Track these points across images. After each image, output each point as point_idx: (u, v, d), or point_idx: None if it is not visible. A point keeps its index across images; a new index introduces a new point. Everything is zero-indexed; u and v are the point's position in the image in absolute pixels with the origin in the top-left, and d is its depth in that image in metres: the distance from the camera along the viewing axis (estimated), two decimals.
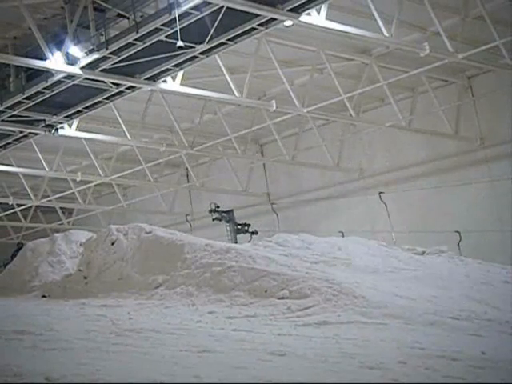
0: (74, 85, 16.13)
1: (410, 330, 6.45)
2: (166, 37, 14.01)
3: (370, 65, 18.81)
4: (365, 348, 5.63)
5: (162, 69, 15.75)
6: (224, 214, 22.12)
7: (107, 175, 23.85)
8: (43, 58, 15.14)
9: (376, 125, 20.81)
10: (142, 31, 14.02)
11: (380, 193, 21.22)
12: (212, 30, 13.91)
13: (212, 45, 14.65)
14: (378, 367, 4.82)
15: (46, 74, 15.84)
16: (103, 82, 16.25)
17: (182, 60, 15.36)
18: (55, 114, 18.05)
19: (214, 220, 22.18)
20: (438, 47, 15.54)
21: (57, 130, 18.85)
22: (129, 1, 14.68)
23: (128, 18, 14.77)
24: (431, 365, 4.98)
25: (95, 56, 14.99)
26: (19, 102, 16.98)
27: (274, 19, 13.77)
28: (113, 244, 10.28)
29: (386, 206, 20.85)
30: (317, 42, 17.70)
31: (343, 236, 16.46)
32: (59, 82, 16.01)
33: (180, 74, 16.37)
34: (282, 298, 7.78)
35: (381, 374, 4.63)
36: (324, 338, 6.12)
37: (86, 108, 17.83)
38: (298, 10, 13.43)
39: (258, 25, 14.01)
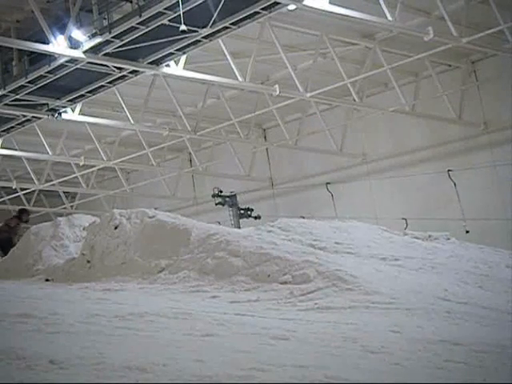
0: (76, 69, 16.11)
1: (412, 316, 6.47)
2: (169, 21, 13.97)
3: (374, 49, 18.74)
4: (366, 333, 5.66)
5: (165, 53, 15.71)
6: (227, 199, 22.15)
7: (110, 159, 23.86)
8: (46, 41, 15.11)
9: (379, 109, 20.77)
10: (145, 15, 13.97)
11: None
12: (215, 14, 13.85)
13: (215, 29, 14.60)
14: (379, 351, 4.85)
15: (49, 57, 15.80)
16: (106, 66, 16.22)
17: (185, 44, 15.32)
18: (58, 98, 18.04)
19: (216, 205, 22.21)
20: (442, 31, 15.47)
21: (60, 114, 18.86)
22: None
23: (131, 2, 14.72)
24: (433, 349, 5.01)
25: (98, 40, 14.95)
26: (22, 86, 16.96)
27: (278, 3, 13.71)
28: (116, 228, 10.30)
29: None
30: (320, 27, 17.64)
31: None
32: (62, 65, 15.98)
33: (183, 58, 16.33)
34: (285, 283, 7.80)
35: (383, 357, 4.66)
36: (326, 322, 6.15)
37: (89, 92, 17.81)
38: None
39: (262, 9, 13.96)
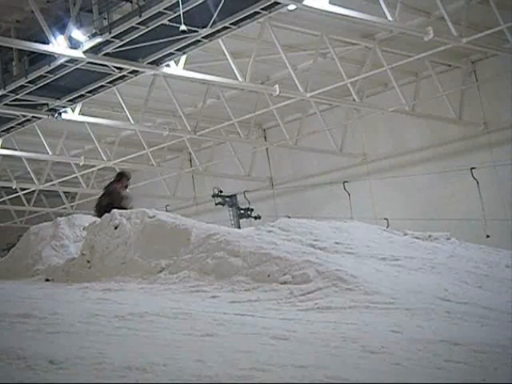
0: (76, 69, 16.12)
1: (412, 316, 6.47)
2: (169, 21, 13.98)
3: (374, 49, 18.74)
4: (367, 333, 5.65)
5: (165, 53, 15.72)
6: (227, 199, 22.17)
7: (110, 159, 23.87)
8: (46, 41, 15.12)
9: (379, 109, 20.77)
10: (145, 15, 13.99)
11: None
12: (215, 14, 13.86)
13: (215, 29, 14.61)
14: (379, 351, 4.84)
15: (49, 57, 15.82)
16: (106, 66, 16.23)
17: (185, 44, 15.33)
18: (58, 98, 18.05)
19: (217, 204, 22.23)
20: (442, 31, 15.47)
21: (60, 114, 18.87)
22: None
23: (131, 2, 14.73)
24: (433, 349, 5.00)
25: (98, 40, 14.96)
26: (22, 86, 16.97)
27: (278, 3, 13.72)
28: (116, 228, 10.28)
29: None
30: (320, 27, 17.64)
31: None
32: (62, 65, 16.00)
33: (183, 58, 16.34)
34: (285, 283, 7.79)
35: (383, 357, 4.66)
36: (326, 322, 6.15)
37: (89, 92, 17.82)
38: None
39: (262, 9, 13.97)
